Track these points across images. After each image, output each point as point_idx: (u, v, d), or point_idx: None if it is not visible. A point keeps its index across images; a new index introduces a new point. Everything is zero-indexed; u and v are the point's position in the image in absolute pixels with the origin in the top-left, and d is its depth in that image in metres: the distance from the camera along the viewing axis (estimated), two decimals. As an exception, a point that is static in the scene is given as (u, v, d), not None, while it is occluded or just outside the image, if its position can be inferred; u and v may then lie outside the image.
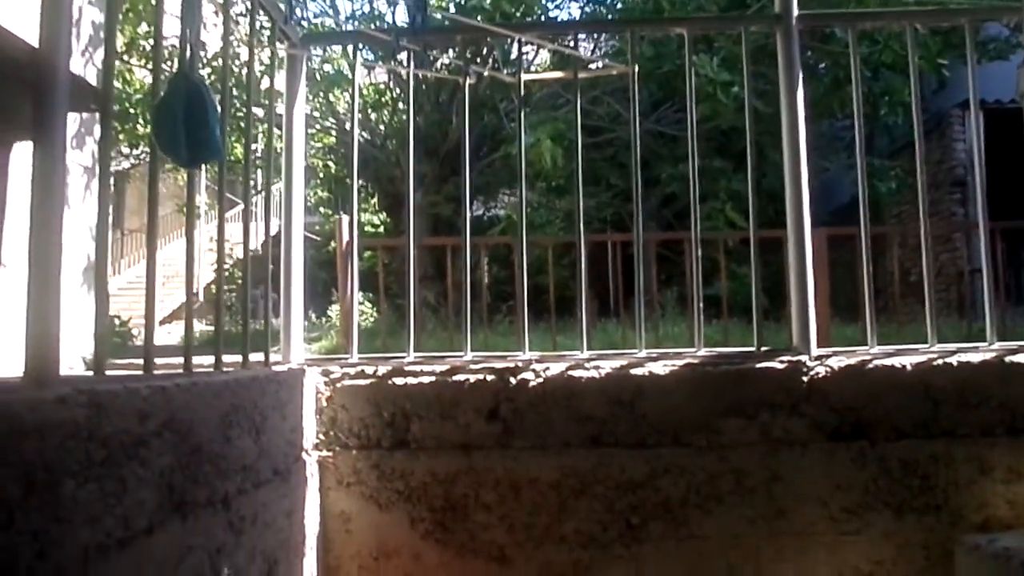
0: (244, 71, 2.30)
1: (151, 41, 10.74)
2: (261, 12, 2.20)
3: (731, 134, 9.06)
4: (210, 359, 1.89)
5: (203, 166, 1.83)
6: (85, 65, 4.85)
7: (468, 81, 2.44)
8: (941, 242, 10.29)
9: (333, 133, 13.19)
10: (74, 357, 3.72)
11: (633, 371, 2.14)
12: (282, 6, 2.28)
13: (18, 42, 1.19)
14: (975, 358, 2.15)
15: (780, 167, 2.31)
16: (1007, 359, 2.15)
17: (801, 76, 2.31)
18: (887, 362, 2.14)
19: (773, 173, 2.09)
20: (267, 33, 2.39)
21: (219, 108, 1.62)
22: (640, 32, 3.46)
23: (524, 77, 2.37)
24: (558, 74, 2.59)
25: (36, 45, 1.26)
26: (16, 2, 2.69)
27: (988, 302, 2.35)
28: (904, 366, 2.13)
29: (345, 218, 6.52)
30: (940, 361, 2.14)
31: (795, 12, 2.31)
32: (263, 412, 1.84)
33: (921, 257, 2.36)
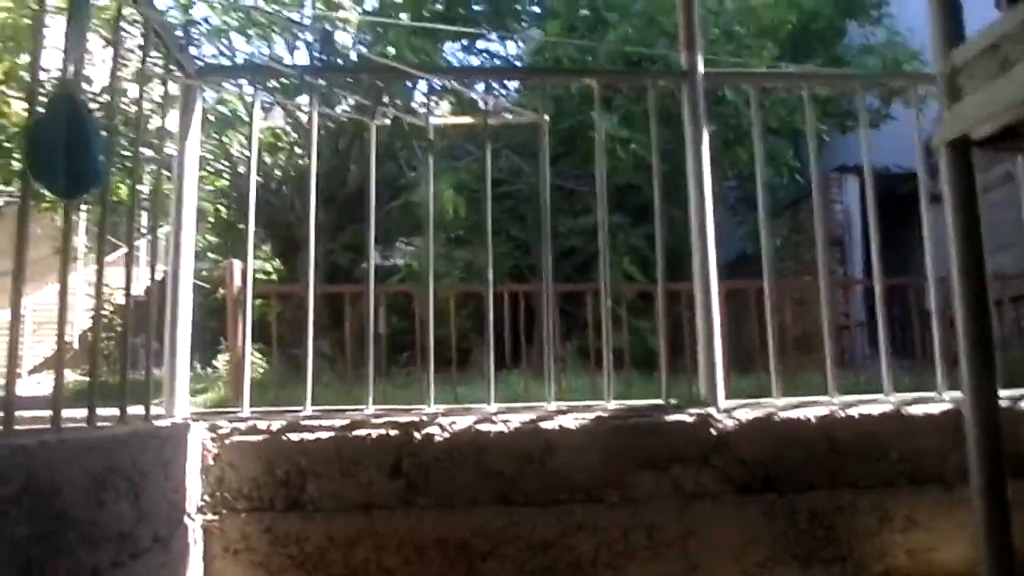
0: (135, 107, 2.14)
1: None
2: (155, 38, 2.07)
3: (628, 190, 9.29)
4: (85, 412, 1.70)
5: (83, 203, 1.66)
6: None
7: (375, 122, 2.36)
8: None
9: (226, 176, 12.77)
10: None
11: (542, 425, 2.07)
12: (178, 34, 2.15)
13: None
14: (875, 410, 2.19)
15: (676, 222, 2.33)
16: (904, 410, 2.20)
17: (706, 130, 2.35)
18: (792, 414, 2.16)
19: (672, 228, 2.13)
20: (160, 63, 2.25)
21: (102, 134, 1.48)
22: (551, 81, 3.49)
23: (434, 120, 2.32)
24: (467, 119, 2.56)
25: None
26: None
27: (883, 356, 2.41)
28: (809, 418, 2.15)
29: (236, 263, 6.25)
30: (842, 413, 2.17)
31: (701, 69, 2.36)
32: (143, 471, 1.66)
33: (805, 312, 2.41)
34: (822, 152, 11.45)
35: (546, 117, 2.31)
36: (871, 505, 2.12)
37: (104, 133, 1.53)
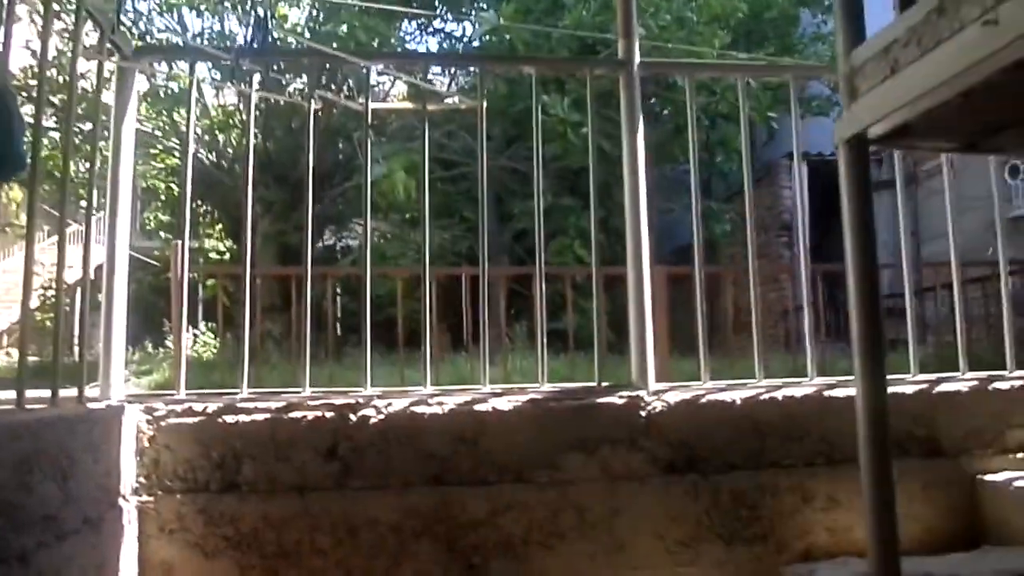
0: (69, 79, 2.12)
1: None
2: (88, 21, 2.05)
3: (581, 173, 9.37)
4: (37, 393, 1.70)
5: (7, 182, 1.65)
6: None
7: (315, 106, 2.36)
8: (769, 281, 11.05)
9: (176, 154, 12.55)
10: None
11: (477, 407, 2.11)
12: (111, 16, 2.12)
13: None
14: (798, 392, 2.27)
15: (623, 207, 2.38)
16: (826, 393, 2.29)
17: (642, 120, 2.40)
18: (719, 397, 2.23)
19: (619, 212, 2.18)
20: (94, 43, 2.22)
21: (24, 118, 1.47)
22: (490, 69, 3.51)
23: (373, 106, 2.33)
24: (408, 105, 2.57)
25: None
26: None
27: (808, 339, 2.50)
28: (734, 400, 2.22)
29: (180, 243, 6.18)
30: (767, 396, 2.25)
31: (637, 59, 2.40)
32: (71, 455, 1.66)
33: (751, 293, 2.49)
34: (774, 137, 11.66)
35: (484, 104, 2.33)
36: (793, 485, 2.20)
37: (29, 118, 1.52)
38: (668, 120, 10.66)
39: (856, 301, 1.20)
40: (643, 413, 2.16)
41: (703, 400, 2.21)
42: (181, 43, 10.97)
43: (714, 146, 10.73)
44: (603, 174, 2.44)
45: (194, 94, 2.26)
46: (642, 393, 2.21)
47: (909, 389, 2.33)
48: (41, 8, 1.82)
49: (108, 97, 2.29)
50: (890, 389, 2.23)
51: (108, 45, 2.15)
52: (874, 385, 1.21)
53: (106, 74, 2.19)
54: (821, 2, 11.98)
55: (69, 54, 2.02)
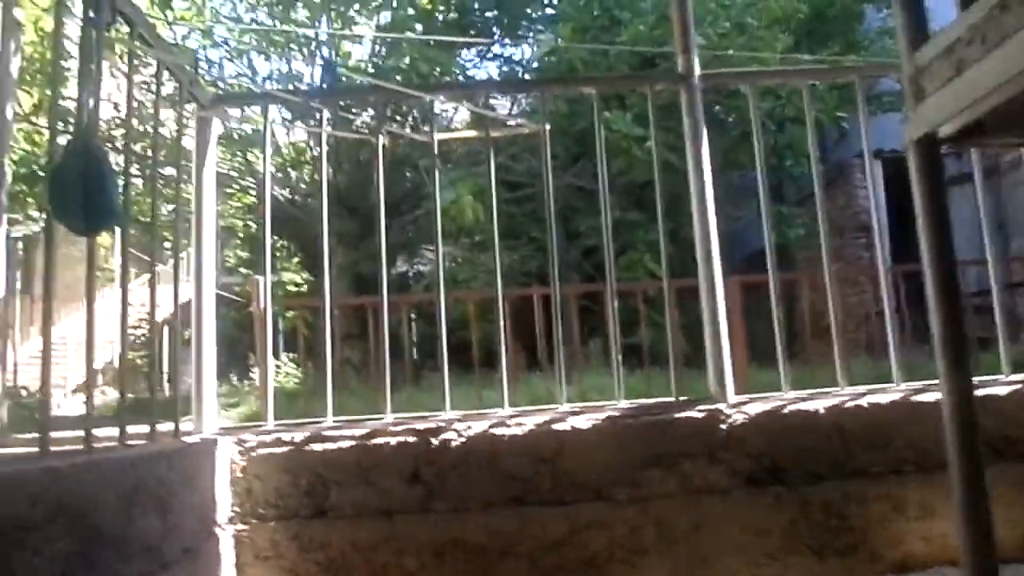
0: (155, 136, 2.24)
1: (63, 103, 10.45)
2: (168, 74, 2.17)
3: (646, 187, 9.32)
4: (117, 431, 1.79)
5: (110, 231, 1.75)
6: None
7: (383, 141, 2.44)
8: (848, 284, 10.72)
9: (252, 192, 13.00)
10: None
11: (555, 427, 2.13)
12: (189, 67, 2.25)
13: None
14: (884, 399, 2.22)
15: (691, 218, 2.37)
16: (913, 398, 2.22)
17: (705, 132, 2.40)
18: (801, 407, 2.19)
19: (687, 223, 2.17)
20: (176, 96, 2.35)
21: (118, 173, 1.57)
22: (551, 92, 3.55)
23: (439, 136, 2.39)
24: (472, 133, 2.62)
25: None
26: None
27: (891, 343, 2.44)
28: (817, 410, 2.18)
29: (261, 279, 6.39)
30: (851, 404, 2.20)
31: (697, 72, 2.40)
32: (170, 488, 1.75)
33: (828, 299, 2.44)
34: (845, 136, 11.37)
35: (547, 127, 2.37)
36: (882, 494, 2.14)
37: (119, 171, 1.62)
38: (733, 127, 10.51)
39: (935, 302, 1.18)
40: (723, 426, 2.14)
41: (785, 410, 2.18)
42: (252, 87, 11.40)
43: (782, 150, 10.54)
44: (669, 185, 2.44)
45: (270, 135, 2.36)
46: (721, 406, 2.19)
47: (1003, 391, 2.24)
48: (125, 66, 1.94)
49: (188, 142, 2.41)
50: (983, 391, 2.18)
51: (187, 96, 2.28)
52: (959, 387, 1.18)
53: (185, 121, 2.32)
54: (886, -5, 11.70)
55: (150, 106, 2.14)
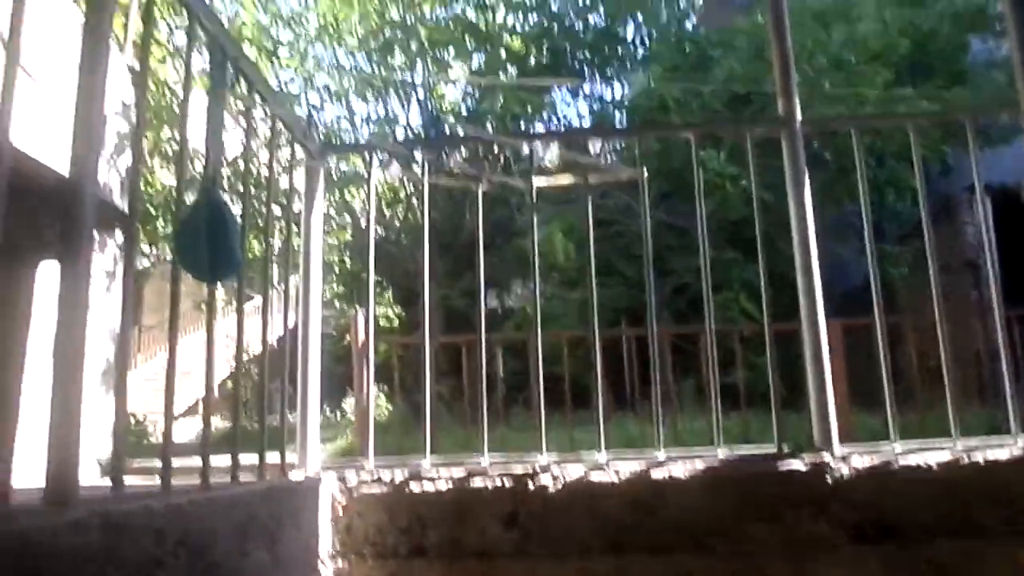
0: (266, 172, 2.36)
1: (173, 144, 11.11)
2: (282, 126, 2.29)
3: (741, 224, 9.16)
4: (226, 458, 1.86)
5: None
6: (108, 171, 5.01)
7: (483, 188, 2.50)
8: (957, 324, 10.21)
9: (348, 229, 13.44)
10: (91, 458, 3.71)
11: (653, 474, 2.10)
12: (302, 118, 2.37)
13: (47, 171, 1.25)
14: (1001, 455, 2.11)
15: (789, 257, 2.33)
16: (1034, 455, 2.10)
17: (807, 175, 2.36)
18: (911, 460, 2.10)
19: (785, 262, 2.14)
20: (287, 145, 2.48)
21: (239, 223, 1.67)
22: (647, 137, 3.56)
23: (536, 183, 2.43)
24: (569, 179, 2.66)
25: (66, 172, 1.31)
26: (43, 131, 2.81)
27: (1009, 397, 2.31)
28: (929, 465, 2.09)
29: (361, 316, 6.60)
30: (966, 458, 2.10)
31: (799, 117, 2.37)
32: (279, 521, 1.82)
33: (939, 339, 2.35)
34: (948, 171, 10.92)
35: (644, 172, 2.38)
36: (1003, 553, 2.03)
37: (239, 205, 1.72)
38: (831, 163, 10.26)
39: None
40: (829, 479, 2.08)
41: (894, 465, 2.09)
42: (351, 128, 11.84)
43: (883, 186, 10.20)
44: (764, 222, 2.41)
45: (374, 186, 2.45)
46: (826, 457, 2.12)
47: None
48: (243, 121, 2.06)
49: (297, 182, 2.53)
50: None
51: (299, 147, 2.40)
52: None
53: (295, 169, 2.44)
54: (992, 25, 11.23)
55: (265, 154, 2.26)
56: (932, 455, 2.11)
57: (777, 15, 2.41)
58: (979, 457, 2.10)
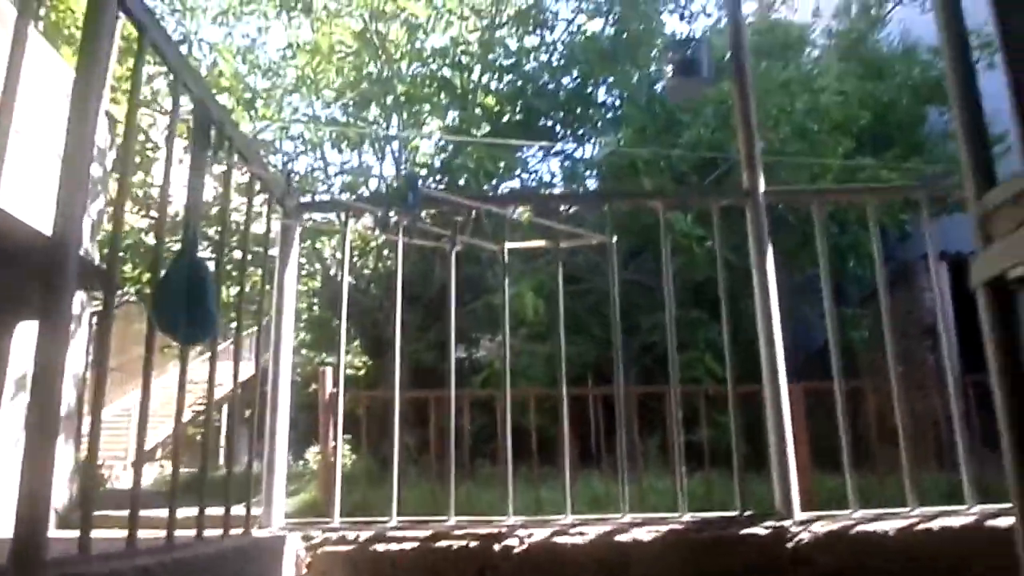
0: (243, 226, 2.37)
1: (143, 190, 11.08)
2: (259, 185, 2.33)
3: (707, 284, 9.31)
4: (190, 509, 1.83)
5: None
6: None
7: (456, 248, 2.55)
8: (915, 388, 10.40)
9: (318, 277, 13.41)
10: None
11: (618, 538, 2.13)
12: (280, 175, 2.41)
13: (28, 230, 1.27)
14: (956, 523, 2.16)
15: (754, 315, 2.40)
16: (988, 523, 2.16)
17: (770, 246, 2.45)
18: (870, 527, 2.15)
19: (749, 322, 2.21)
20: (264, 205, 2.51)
21: (216, 289, 1.69)
22: (617, 205, 3.67)
23: (509, 246, 2.49)
24: (540, 243, 2.73)
25: (39, 227, 1.31)
26: (22, 189, 2.82)
27: (964, 465, 2.39)
28: (887, 531, 2.14)
29: (329, 371, 6.58)
30: (922, 526, 2.15)
31: (762, 188, 2.47)
32: (245, 582, 1.81)
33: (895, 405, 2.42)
34: (907, 238, 11.24)
35: (614, 238, 2.45)
36: (957, 623, 2.07)
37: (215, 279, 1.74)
38: (794, 228, 10.53)
39: (1009, 439, 1.19)
40: (789, 544, 2.11)
41: (853, 531, 2.14)
42: (324, 176, 11.90)
43: (844, 251, 10.46)
44: (729, 283, 2.49)
45: (348, 247, 2.49)
46: (787, 524, 2.16)
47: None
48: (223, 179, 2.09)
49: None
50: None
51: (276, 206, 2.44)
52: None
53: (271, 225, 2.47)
54: (948, 98, 11.65)
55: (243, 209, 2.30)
56: (889, 523, 2.16)
57: (743, 96, 2.52)
58: (934, 525, 2.16)
